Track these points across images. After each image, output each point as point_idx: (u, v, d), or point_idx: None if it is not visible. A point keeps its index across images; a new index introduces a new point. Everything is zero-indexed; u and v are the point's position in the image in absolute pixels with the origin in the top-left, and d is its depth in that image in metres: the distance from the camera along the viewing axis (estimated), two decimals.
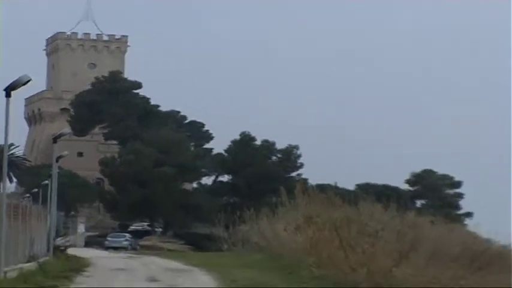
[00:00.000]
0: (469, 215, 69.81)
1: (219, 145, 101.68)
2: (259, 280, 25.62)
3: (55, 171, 46.59)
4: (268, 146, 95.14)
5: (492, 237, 33.85)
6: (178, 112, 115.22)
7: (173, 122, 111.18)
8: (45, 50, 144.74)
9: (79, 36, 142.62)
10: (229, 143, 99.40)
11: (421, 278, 19.20)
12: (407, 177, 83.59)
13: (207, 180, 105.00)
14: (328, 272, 25.02)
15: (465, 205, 77.13)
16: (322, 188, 37.55)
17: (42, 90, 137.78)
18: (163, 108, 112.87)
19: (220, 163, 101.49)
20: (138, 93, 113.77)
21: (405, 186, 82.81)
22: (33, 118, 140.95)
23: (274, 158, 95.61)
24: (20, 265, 29.70)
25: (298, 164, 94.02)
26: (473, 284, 18.72)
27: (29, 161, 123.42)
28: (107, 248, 75.15)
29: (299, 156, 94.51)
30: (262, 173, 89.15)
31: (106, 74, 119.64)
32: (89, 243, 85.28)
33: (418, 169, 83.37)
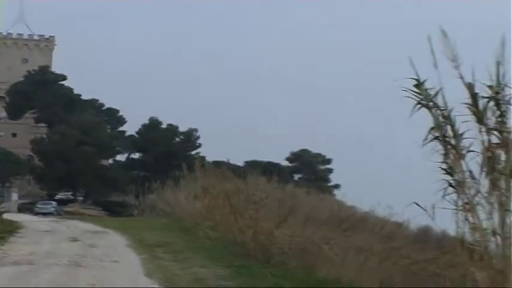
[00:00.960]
0: (337, 186, 70.71)
1: (131, 128, 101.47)
2: (163, 239, 25.74)
3: None
4: (172, 129, 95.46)
5: (356, 204, 34.39)
6: (97, 100, 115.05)
7: (93, 109, 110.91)
8: None
9: (14, 36, 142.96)
10: (140, 126, 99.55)
11: (297, 238, 19.39)
12: (287, 155, 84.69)
13: (121, 157, 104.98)
14: (221, 233, 25.31)
15: (334, 178, 78.06)
16: (216, 164, 37.72)
17: None
18: (85, 97, 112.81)
19: (132, 143, 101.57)
20: (63, 84, 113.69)
21: (285, 163, 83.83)
22: None
23: (177, 139, 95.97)
24: None
25: (197, 144, 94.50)
26: (341, 243, 18.94)
27: None
28: (36, 214, 74.20)
29: (198, 137, 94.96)
30: (167, 151, 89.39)
31: (36, 68, 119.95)
32: (21, 209, 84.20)
33: (296, 149, 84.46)
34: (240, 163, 67.34)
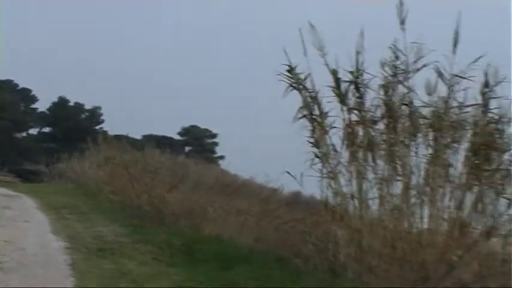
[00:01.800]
0: (222, 157, 70.75)
1: (42, 105, 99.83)
2: (70, 202, 25.60)
3: None
4: (78, 106, 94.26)
5: (238, 173, 34.64)
6: (12, 80, 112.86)
7: (8, 88, 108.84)
8: None
9: None
10: (51, 104, 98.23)
11: (186, 202, 19.48)
12: (179, 130, 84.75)
13: (34, 131, 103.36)
14: (120, 197, 25.26)
15: (219, 151, 78.31)
16: (117, 137, 37.29)
17: None
18: (1, 77, 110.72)
19: (43, 119, 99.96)
20: None
21: (177, 137, 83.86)
22: None
23: (83, 115, 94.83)
24: None
25: (101, 120, 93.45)
26: (224, 205, 19.06)
27: None
28: None
29: (101, 114, 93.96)
30: (74, 126, 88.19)
31: None
32: None
33: (186, 124, 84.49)
34: (138, 137, 66.89)
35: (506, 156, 11.09)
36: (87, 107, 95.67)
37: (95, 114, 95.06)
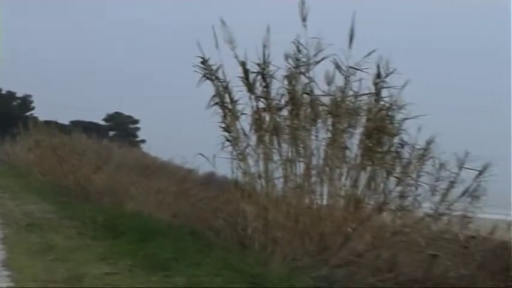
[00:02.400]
0: (143, 141, 70.42)
1: None
2: (1, 183, 25.34)
3: None
4: (10, 94, 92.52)
5: (158, 155, 34.55)
6: None
7: None
8: None
9: None
10: None
11: (110, 181, 19.34)
12: (104, 116, 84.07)
13: None
14: (49, 177, 25.07)
15: (141, 135, 77.92)
16: (47, 123, 36.76)
17: None
18: None
19: None
20: None
21: (103, 123, 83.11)
22: None
23: (15, 102, 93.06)
24: None
25: (31, 107, 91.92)
26: (144, 185, 18.94)
27: None
28: None
29: (32, 101, 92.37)
30: (6, 112, 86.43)
31: None
32: None
33: (111, 111, 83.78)
34: (66, 122, 66.06)
35: (396, 140, 11.31)
36: (19, 95, 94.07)
37: (25, 102, 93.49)
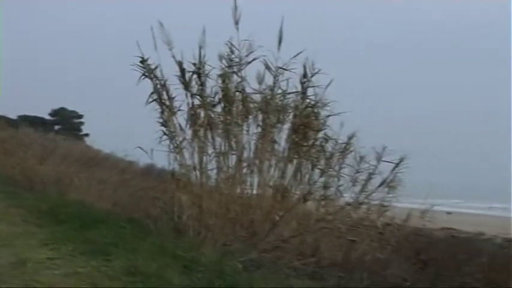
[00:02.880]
0: (87, 135, 69.62)
1: None
2: None
3: None
4: None
5: (101, 148, 34.29)
6: None
7: None
8: None
9: None
10: None
11: (54, 172, 19.14)
12: (50, 111, 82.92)
13: None
14: None
15: (85, 129, 76.99)
16: None
17: None
18: None
19: None
20: None
21: (48, 117, 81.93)
22: None
23: None
24: None
25: None
26: (87, 175, 18.80)
27: None
28: None
29: None
30: None
31: None
32: None
33: (56, 106, 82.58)
34: (14, 117, 64.88)
35: (320, 135, 11.51)
36: None
37: None
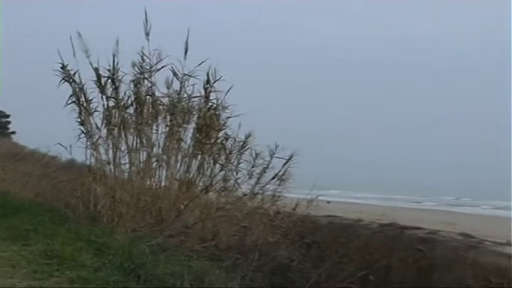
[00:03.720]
0: (13, 133, 67.59)
1: None
2: None
3: None
4: None
5: (26, 144, 33.43)
6: None
7: None
8: None
9: None
10: None
11: None
12: None
13: None
14: None
15: (12, 127, 74.61)
16: None
17: None
18: None
19: None
20: None
21: None
22: None
23: None
24: None
25: None
26: (13, 169, 18.36)
27: None
28: None
29: None
30: None
31: None
32: None
33: None
34: None
35: (221, 134, 11.68)
36: None
37: None
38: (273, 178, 11.71)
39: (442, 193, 45.68)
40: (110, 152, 11.16)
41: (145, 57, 11.13)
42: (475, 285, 8.78)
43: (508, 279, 9.14)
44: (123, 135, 11.17)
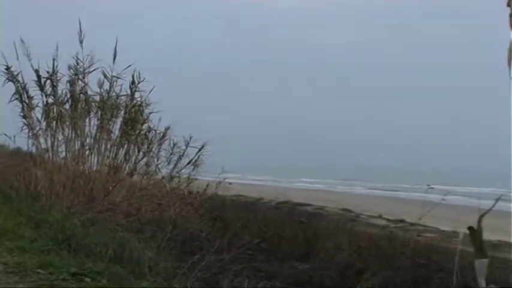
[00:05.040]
0: None
1: None
2: None
3: None
4: None
5: None
6: None
7: None
8: None
9: None
10: None
11: None
12: None
13: None
14: None
15: None
16: None
17: None
18: None
19: None
20: None
21: None
22: None
23: None
24: None
25: None
26: None
27: None
28: None
29: None
30: None
31: None
32: None
33: None
34: None
35: (144, 127, 11.75)
36: None
37: None
38: (188, 164, 11.86)
39: (333, 175, 46.50)
40: (49, 141, 11.03)
41: (79, 61, 11.03)
42: (349, 249, 9.15)
43: (376, 244, 9.60)
44: (60, 127, 11.06)
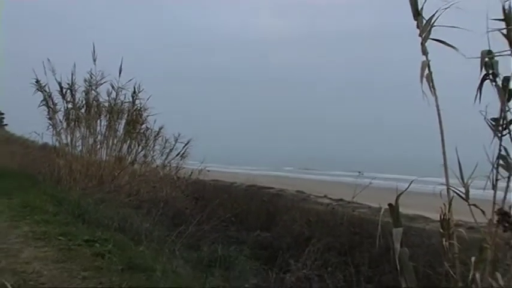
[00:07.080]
0: (6, 125, 62.25)
1: None
2: None
3: None
4: None
5: (15, 132, 31.25)
6: None
7: None
8: None
9: None
10: None
11: None
12: None
13: None
14: None
15: (5, 121, 69.09)
16: None
17: None
18: None
19: None
20: None
21: None
22: None
23: None
24: None
25: None
26: (2, 150, 17.08)
27: None
28: None
29: None
30: None
31: None
32: None
33: None
34: None
35: (143, 127, 11.59)
36: None
37: None
38: (177, 155, 11.76)
39: (292, 165, 46.62)
40: (69, 137, 10.80)
41: (92, 75, 10.80)
42: (301, 221, 9.17)
43: (322, 218, 9.63)
44: (77, 127, 10.82)
